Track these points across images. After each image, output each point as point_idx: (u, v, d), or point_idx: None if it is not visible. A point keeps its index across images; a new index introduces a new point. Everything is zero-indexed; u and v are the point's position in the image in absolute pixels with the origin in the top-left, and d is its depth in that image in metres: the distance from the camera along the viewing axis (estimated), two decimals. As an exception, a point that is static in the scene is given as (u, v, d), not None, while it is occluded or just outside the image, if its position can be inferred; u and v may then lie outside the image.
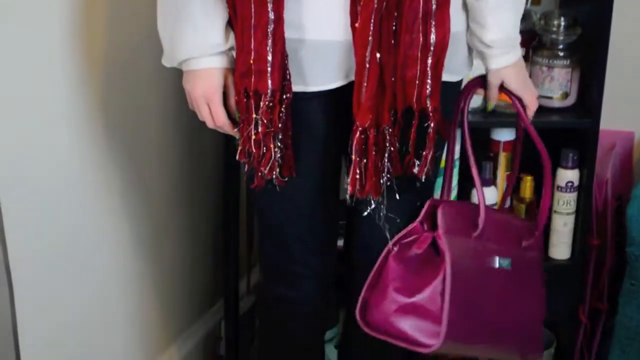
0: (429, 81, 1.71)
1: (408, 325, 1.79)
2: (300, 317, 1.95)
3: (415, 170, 1.77)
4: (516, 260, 1.90)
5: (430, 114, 1.72)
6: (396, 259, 1.81)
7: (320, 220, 1.88)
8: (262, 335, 2.07)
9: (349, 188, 1.72)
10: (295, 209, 1.86)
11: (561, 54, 2.42)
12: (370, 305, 1.83)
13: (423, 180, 1.80)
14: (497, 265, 1.87)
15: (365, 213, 1.79)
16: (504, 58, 1.83)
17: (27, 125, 1.84)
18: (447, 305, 1.76)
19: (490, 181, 2.46)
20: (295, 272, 1.91)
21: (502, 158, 2.52)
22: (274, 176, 1.74)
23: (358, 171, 1.71)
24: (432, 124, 1.74)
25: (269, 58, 1.65)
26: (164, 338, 2.54)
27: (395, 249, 1.82)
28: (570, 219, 2.52)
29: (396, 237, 1.82)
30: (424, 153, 1.76)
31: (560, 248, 2.55)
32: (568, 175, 2.48)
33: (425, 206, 1.83)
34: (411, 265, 1.81)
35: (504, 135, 2.50)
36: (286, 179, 1.75)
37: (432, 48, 1.68)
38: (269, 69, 1.66)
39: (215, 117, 1.75)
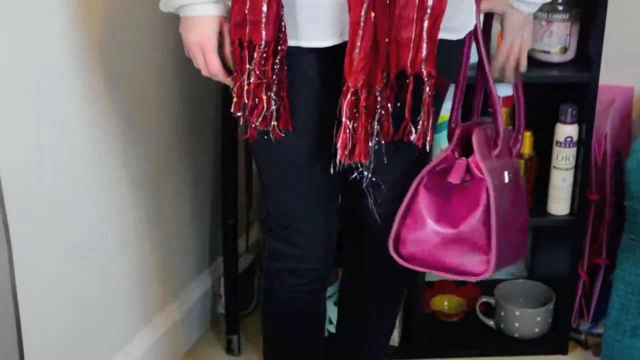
0: (424, 45, 1.67)
1: (453, 255, 1.76)
2: (301, 276, 1.94)
3: (413, 138, 1.73)
4: (513, 172, 1.90)
5: (425, 79, 1.69)
6: (429, 189, 1.78)
7: (320, 179, 1.86)
8: (263, 295, 2.05)
9: (339, 152, 1.69)
10: (294, 167, 1.84)
11: (560, 8, 2.41)
12: (406, 239, 1.79)
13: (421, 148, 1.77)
14: (507, 180, 1.85)
15: (351, 178, 1.77)
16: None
17: (26, 77, 1.84)
18: (494, 233, 1.73)
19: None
20: (296, 230, 1.90)
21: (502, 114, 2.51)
22: (269, 128, 1.73)
23: (347, 134, 1.68)
24: (427, 90, 1.70)
25: (264, 9, 1.64)
26: (163, 295, 2.54)
27: (426, 178, 1.79)
28: (569, 174, 2.52)
29: (428, 167, 1.78)
30: (420, 120, 1.72)
31: (559, 204, 2.54)
32: (567, 131, 2.47)
33: (457, 132, 1.80)
34: (445, 194, 1.77)
35: (502, 90, 2.48)
36: (283, 133, 1.74)
37: (428, 11, 1.65)
38: (264, 19, 1.65)
39: (209, 65, 1.74)
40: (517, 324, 2.68)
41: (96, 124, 2.11)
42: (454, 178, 1.75)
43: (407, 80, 1.69)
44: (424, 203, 1.77)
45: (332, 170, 1.74)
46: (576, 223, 2.57)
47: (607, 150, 2.60)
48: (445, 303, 2.82)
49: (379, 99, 1.67)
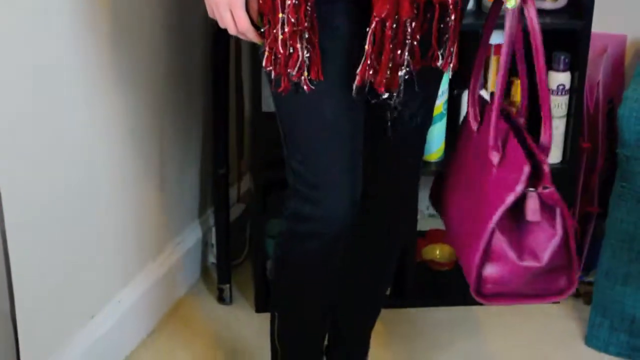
0: None
1: (539, 283, 1.70)
2: (325, 239, 1.91)
3: (439, 63, 1.77)
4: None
5: (451, 7, 1.71)
6: (503, 229, 1.68)
7: (349, 133, 1.84)
8: (279, 263, 2.01)
9: (357, 78, 1.70)
10: (323, 120, 1.81)
11: (553, -46, 2.39)
12: (489, 280, 1.69)
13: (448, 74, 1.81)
14: None
15: (380, 99, 1.76)
16: None
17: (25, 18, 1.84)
18: (574, 254, 1.68)
19: (481, 85, 2.44)
20: (324, 190, 1.86)
21: (493, 61, 2.50)
22: (301, 79, 1.72)
23: (369, 62, 1.69)
24: (453, 17, 1.73)
25: None
26: (154, 245, 2.54)
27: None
28: (562, 122, 2.51)
29: (501, 210, 1.68)
30: (448, 46, 1.76)
31: (552, 151, 2.51)
32: (559, 78, 2.46)
33: (528, 172, 1.67)
34: (519, 228, 1.68)
35: (495, 38, 2.46)
36: (313, 85, 1.74)
37: None
38: None
39: (238, 22, 1.71)
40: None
41: (89, 77, 2.09)
42: (533, 216, 1.67)
43: (433, 9, 1.70)
44: (505, 243, 1.68)
45: (353, 93, 1.73)
46: (568, 171, 2.57)
47: (599, 98, 2.59)
48: (437, 252, 2.82)
49: (408, 29, 1.68)
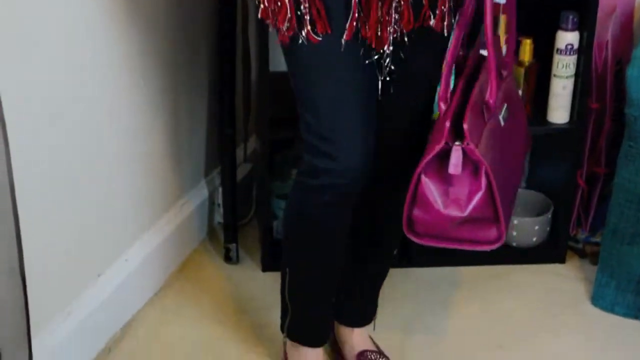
0: None
1: (465, 231, 1.79)
2: (339, 192, 1.89)
3: (432, 22, 1.79)
4: (506, 95, 1.89)
5: None
6: (430, 176, 1.77)
7: (358, 86, 1.83)
8: (292, 218, 2.01)
9: (346, 32, 1.73)
10: (333, 71, 1.82)
11: None
12: (418, 221, 1.80)
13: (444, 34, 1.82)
14: (502, 123, 1.86)
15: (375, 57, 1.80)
16: None
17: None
18: (500, 208, 1.76)
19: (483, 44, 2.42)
20: (338, 142, 1.85)
21: (501, 21, 2.48)
22: (302, 34, 1.73)
23: (356, 16, 1.72)
24: None
25: None
26: (161, 204, 2.54)
27: (425, 166, 1.78)
28: (570, 82, 2.50)
29: (426, 158, 1.77)
30: (439, 4, 1.79)
31: (559, 112, 2.53)
32: (568, 38, 2.44)
33: (447, 127, 1.75)
34: (447, 178, 1.77)
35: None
36: (320, 37, 1.74)
37: None
38: None
39: None
40: (515, 233, 2.68)
41: (95, 30, 2.09)
42: (454, 170, 1.75)
43: None
44: (431, 189, 1.77)
45: (342, 48, 1.76)
46: (576, 131, 2.56)
47: (607, 57, 2.57)
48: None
49: None
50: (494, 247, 1.81)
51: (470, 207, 1.76)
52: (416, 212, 1.80)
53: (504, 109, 1.88)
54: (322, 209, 1.91)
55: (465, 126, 1.74)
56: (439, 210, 1.77)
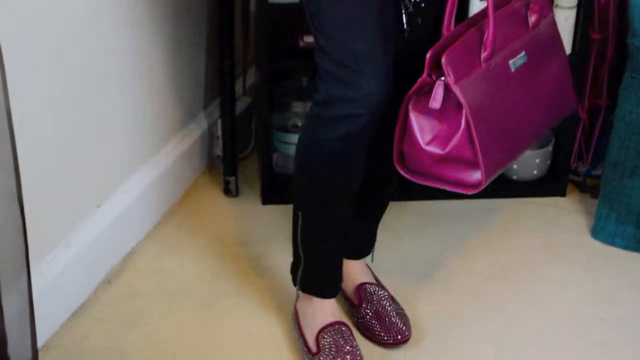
0: None
1: (449, 170, 1.78)
2: (357, 120, 1.85)
3: None
4: (529, 45, 1.84)
5: None
6: (416, 110, 1.77)
7: (377, 10, 1.80)
8: (307, 154, 1.96)
9: None
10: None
11: None
12: (407, 156, 1.81)
13: None
14: (513, 69, 1.82)
15: None
16: None
17: None
18: (479, 152, 1.74)
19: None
20: (356, 67, 1.81)
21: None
22: None
23: None
24: None
25: None
26: (159, 136, 2.53)
27: (413, 100, 1.77)
28: (572, 13, 2.47)
29: (412, 89, 1.76)
30: None
31: (561, 43, 2.51)
32: (570, -33, 2.42)
33: (428, 58, 1.73)
34: (433, 114, 1.76)
35: None
36: None
37: None
38: None
39: None
40: (515, 166, 2.67)
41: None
42: (434, 103, 1.74)
43: None
44: (415, 124, 1.77)
45: None
46: (578, 63, 2.54)
47: (610, -13, 2.55)
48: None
49: None
50: (475, 191, 1.79)
51: (450, 145, 1.75)
52: (405, 146, 1.80)
53: (520, 56, 1.83)
54: (341, 139, 1.87)
55: (443, 60, 1.71)
56: (421, 145, 1.77)
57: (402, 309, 2.17)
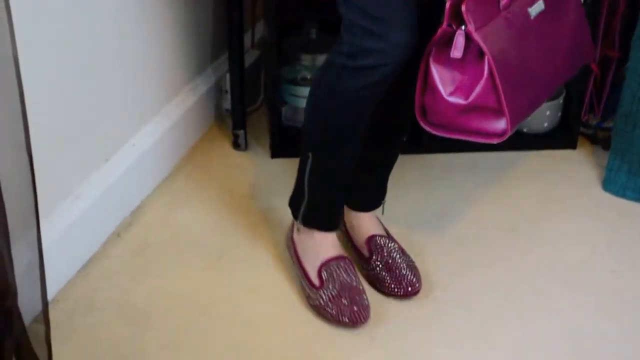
0: None
1: (473, 121, 1.78)
2: (382, 72, 1.84)
3: None
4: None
5: None
6: (437, 62, 1.77)
7: None
8: (319, 101, 1.96)
9: None
10: None
11: None
12: (429, 109, 1.80)
13: None
14: (532, 16, 1.81)
15: None
16: None
17: None
18: (503, 99, 1.74)
19: None
20: (385, 19, 1.80)
21: None
22: None
23: None
24: None
25: None
26: (168, 90, 2.52)
27: (433, 51, 1.76)
28: (584, -37, 2.45)
29: (432, 41, 1.76)
30: None
31: (573, -6, 2.48)
32: None
33: (447, 7, 1.72)
34: (454, 64, 1.76)
35: None
36: None
37: None
38: None
39: None
40: (526, 118, 2.65)
41: None
42: (455, 53, 1.73)
43: None
44: (437, 76, 1.77)
45: None
46: (589, 14, 2.50)
47: (623, -63, 2.52)
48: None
49: None
50: (500, 140, 1.80)
51: (473, 94, 1.74)
52: (427, 99, 1.80)
53: (537, 3, 1.81)
54: (362, 89, 1.87)
55: (463, 8, 1.70)
56: (444, 96, 1.76)
57: (412, 261, 2.16)
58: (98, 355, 1.95)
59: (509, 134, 1.79)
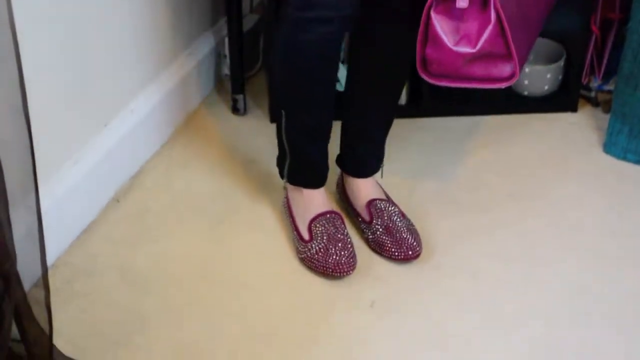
0: None
1: (479, 68, 1.79)
2: (331, 23, 1.87)
3: None
4: None
5: None
6: (439, 13, 1.76)
7: None
8: (284, 55, 1.97)
9: None
10: None
11: None
12: (432, 61, 1.80)
13: None
14: None
15: None
16: None
17: None
18: (511, 42, 1.75)
19: None
20: None
21: None
22: None
23: None
24: None
25: None
26: (166, 54, 2.50)
27: (434, 2, 1.76)
28: None
29: None
30: None
31: (574, -45, 2.47)
32: None
33: None
34: (456, 14, 1.76)
35: None
36: None
37: None
38: None
39: None
40: (526, 82, 2.64)
41: None
42: (461, 3, 1.73)
43: None
44: (439, 28, 1.76)
45: None
46: (590, -24, 2.50)
47: None
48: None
49: None
50: (508, 84, 1.81)
51: (481, 41, 1.74)
52: (429, 51, 1.80)
53: None
54: (314, 45, 1.90)
55: None
56: (450, 47, 1.76)
57: (412, 225, 2.16)
58: (96, 321, 1.95)
59: (517, 77, 1.80)
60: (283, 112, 2.05)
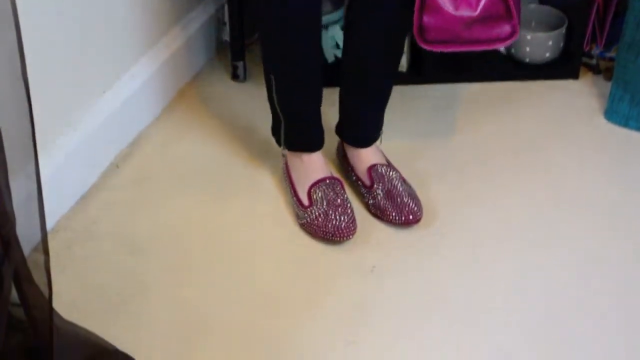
0: None
1: (478, 31, 1.81)
2: None
3: None
4: None
5: None
6: None
7: None
8: (266, 19, 2.00)
9: None
10: None
11: None
12: (430, 28, 1.81)
13: None
14: None
15: None
16: None
17: None
18: (512, 3, 1.78)
19: None
20: None
21: None
22: None
23: None
24: None
25: None
26: (166, 21, 2.49)
27: None
28: None
29: None
30: None
31: None
32: None
33: None
34: None
35: None
36: None
37: None
38: None
39: None
40: (527, 49, 2.63)
41: None
42: None
43: None
44: None
45: None
46: (593, -59, 2.48)
47: None
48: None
49: None
50: (509, 42, 1.83)
51: (482, 4, 1.76)
52: (426, 19, 1.81)
53: None
54: (286, 13, 1.93)
55: None
56: (450, 12, 1.77)
57: (413, 190, 2.16)
58: (97, 285, 1.96)
59: (517, 35, 1.82)
60: (272, 77, 2.06)
